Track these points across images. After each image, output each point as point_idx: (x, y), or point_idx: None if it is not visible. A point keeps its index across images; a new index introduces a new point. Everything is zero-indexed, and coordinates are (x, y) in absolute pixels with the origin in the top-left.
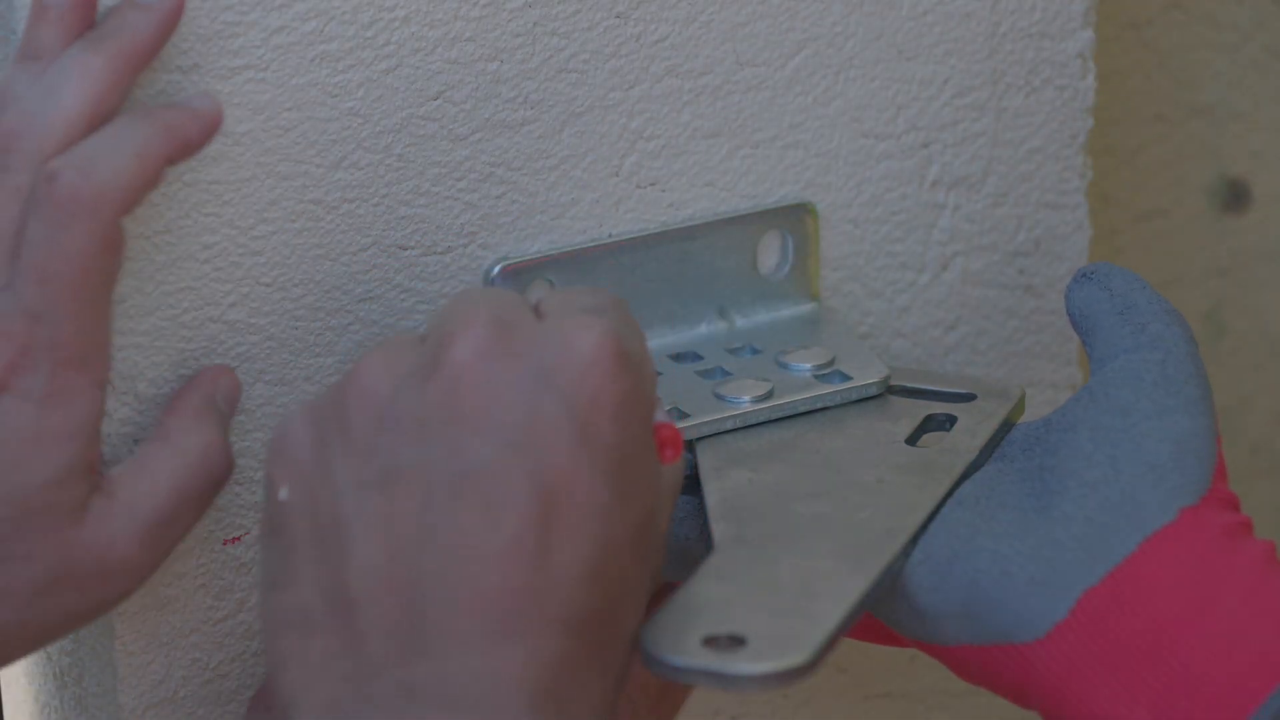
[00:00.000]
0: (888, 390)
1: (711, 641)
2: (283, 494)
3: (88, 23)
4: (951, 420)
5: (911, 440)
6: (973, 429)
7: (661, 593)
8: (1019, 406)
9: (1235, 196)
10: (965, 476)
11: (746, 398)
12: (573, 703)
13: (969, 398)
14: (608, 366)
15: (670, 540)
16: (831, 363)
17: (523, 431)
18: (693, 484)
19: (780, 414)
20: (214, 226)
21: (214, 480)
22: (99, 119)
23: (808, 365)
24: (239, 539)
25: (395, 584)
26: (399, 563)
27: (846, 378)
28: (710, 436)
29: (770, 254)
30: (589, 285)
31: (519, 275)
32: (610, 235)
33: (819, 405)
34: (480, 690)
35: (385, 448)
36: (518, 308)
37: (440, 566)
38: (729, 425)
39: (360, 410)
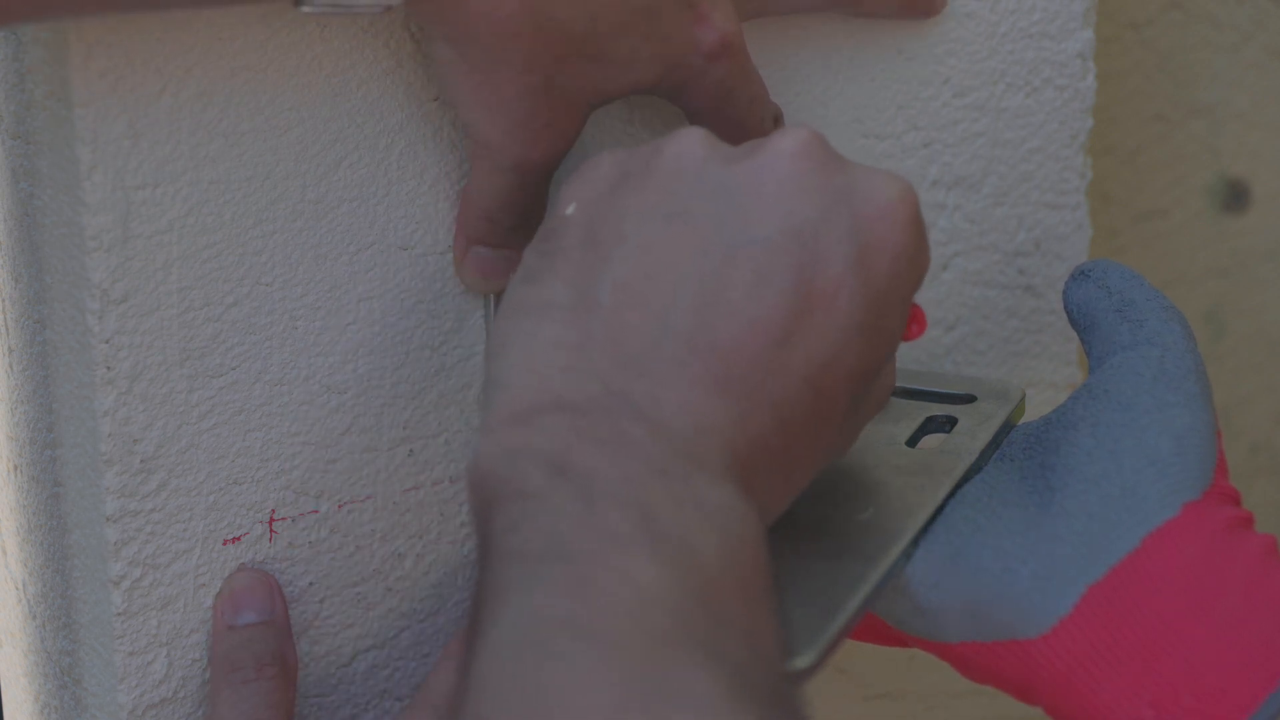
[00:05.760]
0: None
1: None
2: (570, 209)
3: None
4: (952, 422)
5: (912, 442)
6: (973, 431)
7: None
8: (1019, 408)
9: (1235, 196)
10: (966, 479)
11: None
12: (756, 490)
13: (969, 399)
14: (903, 218)
15: None
16: None
17: (810, 231)
18: None
19: None
20: (214, 226)
21: None
22: None
23: None
24: (239, 539)
25: (642, 304)
26: (655, 287)
27: None
28: None
29: None
30: None
31: None
32: None
33: None
34: (686, 422)
35: (681, 193)
36: None
37: (692, 305)
38: None
39: (669, 162)
